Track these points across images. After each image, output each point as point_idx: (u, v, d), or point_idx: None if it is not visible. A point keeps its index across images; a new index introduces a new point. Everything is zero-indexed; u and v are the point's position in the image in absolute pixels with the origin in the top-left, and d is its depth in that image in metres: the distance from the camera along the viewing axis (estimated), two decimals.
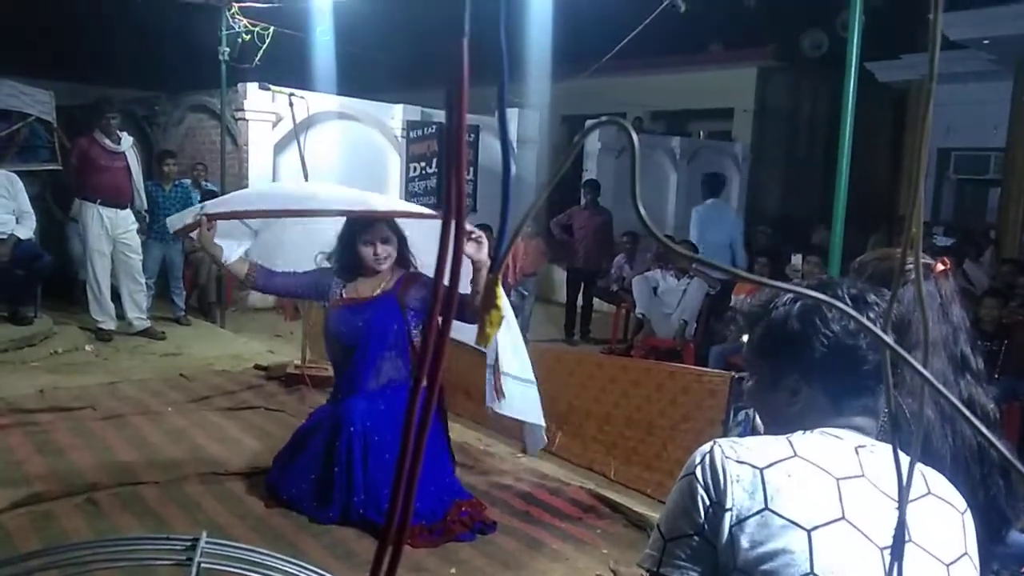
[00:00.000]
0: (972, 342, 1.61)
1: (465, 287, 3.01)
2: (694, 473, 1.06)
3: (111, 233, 6.39)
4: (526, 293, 7.48)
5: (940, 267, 1.64)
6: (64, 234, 7.67)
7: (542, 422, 3.62)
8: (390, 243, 3.36)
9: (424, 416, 0.57)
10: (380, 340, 3.34)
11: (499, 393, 3.33)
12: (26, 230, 6.25)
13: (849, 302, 1.13)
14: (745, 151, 12.39)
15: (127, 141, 6.51)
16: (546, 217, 8.88)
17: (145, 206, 6.74)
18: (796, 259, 7.10)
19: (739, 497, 1.01)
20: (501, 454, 4.35)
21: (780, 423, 1.17)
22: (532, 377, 3.53)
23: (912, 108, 11.05)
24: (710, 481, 1.04)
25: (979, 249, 8.57)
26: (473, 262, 2.90)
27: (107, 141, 6.35)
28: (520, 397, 3.46)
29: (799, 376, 1.14)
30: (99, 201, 6.33)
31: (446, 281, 0.56)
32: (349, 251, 3.39)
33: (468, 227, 2.58)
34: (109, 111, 6.44)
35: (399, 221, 3.44)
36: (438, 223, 0.56)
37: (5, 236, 6.07)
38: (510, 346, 3.42)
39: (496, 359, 3.32)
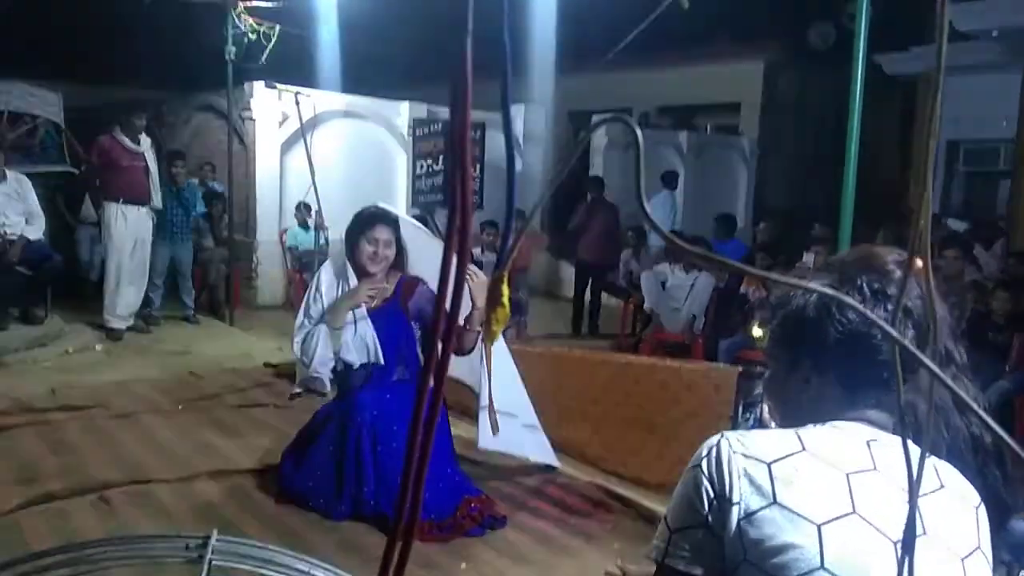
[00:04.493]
0: (955, 336, 1.62)
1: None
2: (700, 465, 1.05)
3: (133, 231, 6.45)
4: (519, 289, 7.42)
5: (919, 264, 1.63)
6: (74, 236, 7.71)
7: (555, 462, 3.84)
8: (390, 248, 3.40)
9: (432, 412, 0.57)
10: (391, 352, 3.40)
11: (494, 428, 3.20)
12: (36, 231, 6.29)
13: (870, 295, 1.12)
14: (752, 145, 12.33)
15: (146, 142, 6.60)
16: (553, 212, 8.85)
17: (161, 205, 6.80)
18: (808, 257, 6.78)
19: (746, 491, 1.01)
20: None
21: (793, 415, 1.16)
22: (534, 420, 3.64)
23: (921, 100, 10.96)
24: (715, 474, 1.03)
25: (991, 237, 8.49)
26: (471, 299, 2.98)
27: (127, 140, 6.40)
28: (516, 432, 3.54)
29: (812, 363, 1.14)
30: (122, 200, 6.38)
31: (451, 286, 0.56)
32: (348, 244, 3.43)
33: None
34: (141, 112, 6.53)
35: (404, 233, 3.49)
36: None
37: (15, 237, 6.10)
38: (502, 383, 3.34)
39: (489, 397, 3.17)
